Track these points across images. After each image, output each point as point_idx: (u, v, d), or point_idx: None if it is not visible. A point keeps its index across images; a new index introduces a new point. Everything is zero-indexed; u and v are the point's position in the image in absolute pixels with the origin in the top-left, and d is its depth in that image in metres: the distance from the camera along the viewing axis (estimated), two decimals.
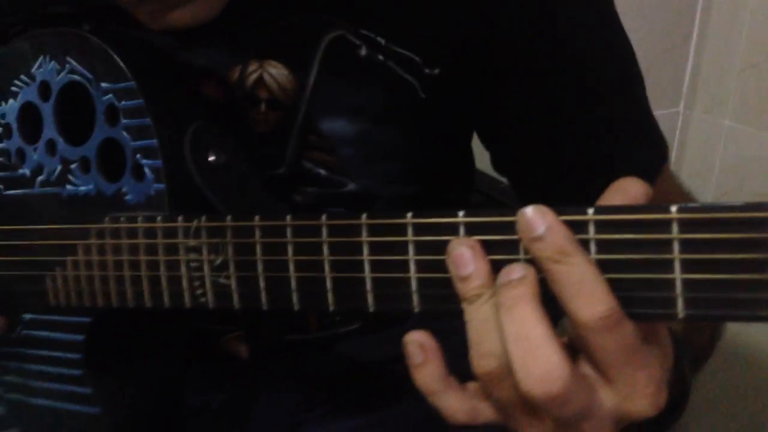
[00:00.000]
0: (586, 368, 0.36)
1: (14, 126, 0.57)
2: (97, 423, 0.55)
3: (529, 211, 0.35)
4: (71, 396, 0.56)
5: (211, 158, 0.51)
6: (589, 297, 0.34)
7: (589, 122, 0.56)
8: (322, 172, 0.58)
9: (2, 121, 0.57)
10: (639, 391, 0.35)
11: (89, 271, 0.52)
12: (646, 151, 0.57)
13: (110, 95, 0.51)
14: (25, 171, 0.56)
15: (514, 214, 0.36)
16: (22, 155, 0.56)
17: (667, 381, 0.36)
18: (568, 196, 0.55)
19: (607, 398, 0.36)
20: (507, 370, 0.35)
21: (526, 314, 0.34)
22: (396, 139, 0.58)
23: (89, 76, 0.52)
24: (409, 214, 0.38)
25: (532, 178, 0.59)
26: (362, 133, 0.57)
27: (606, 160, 0.56)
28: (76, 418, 0.56)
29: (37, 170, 0.55)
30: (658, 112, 0.58)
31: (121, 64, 0.51)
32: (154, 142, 0.50)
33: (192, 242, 0.46)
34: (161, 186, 0.50)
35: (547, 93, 0.55)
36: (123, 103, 0.51)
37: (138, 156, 0.50)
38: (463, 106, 0.57)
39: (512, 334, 0.35)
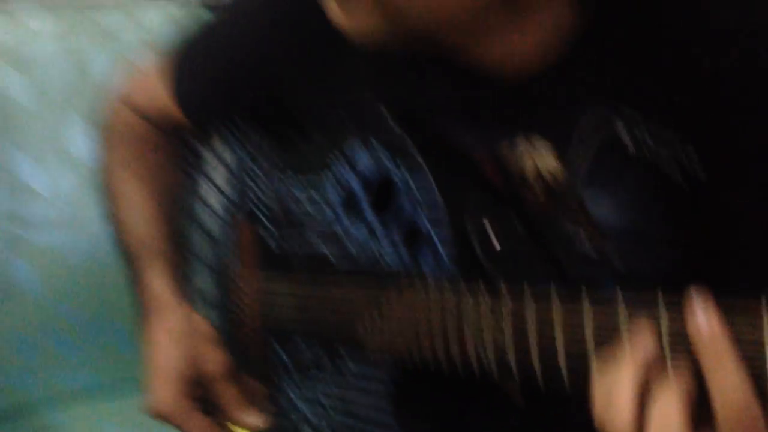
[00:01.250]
0: None
1: (335, 195, 0.68)
2: None
3: (700, 315, 0.42)
4: (380, 423, 0.67)
5: (498, 247, 0.59)
6: (731, 400, 0.41)
7: None
8: (593, 252, 0.64)
9: (337, 193, 0.69)
10: None
11: (391, 331, 0.63)
12: None
13: (411, 183, 0.61)
14: (342, 234, 0.68)
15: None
16: (339, 220, 0.68)
17: None
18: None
19: None
20: None
21: (673, 406, 0.42)
22: (661, 230, 0.61)
23: (391, 165, 0.62)
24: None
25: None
26: (627, 222, 0.61)
27: None
28: None
29: (350, 235, 0.67)
30: None
31: (418, 157, 0.61)
32: (447, 233, 0.59)
33: (481, 321, 0.55)
34: (455, 268, 0.59)
35: None
36: (422, 195, 0.60)
37: (436, 240, 0.60)
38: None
39: (655, 416, 0.42)
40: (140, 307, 0.76)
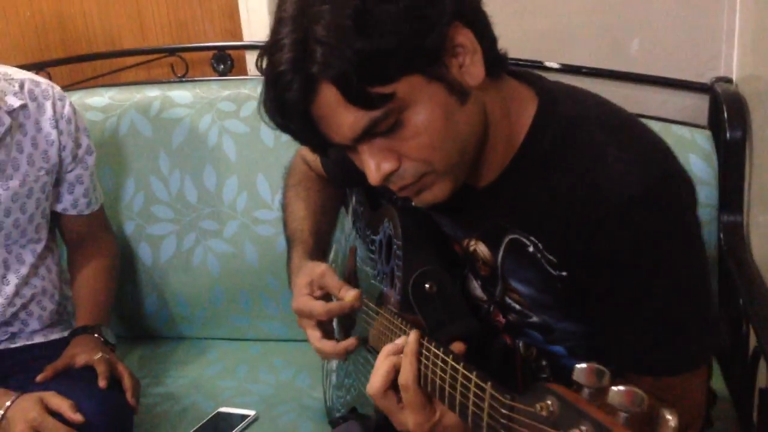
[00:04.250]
0: None
1: (377, 247, 1.11)
2: None
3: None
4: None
5: (427, 286, 0.97)
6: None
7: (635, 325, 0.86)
8: (517, 306, 0.97)
9: (376, 245, 1.12)
10: None
11: (376, 331, 1.03)
12: (665, 354, 0.85)
13: (396, 247, 1.01)
14: (375, 271, 1.10)
15: None
16: (377, 262, 1.11)
17: None
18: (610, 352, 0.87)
19: None
20: None
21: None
22: (553, 300, 0.93)
23: (391, 232, 1.03)
24: None
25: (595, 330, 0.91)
26: (531, 294, 0.94)
27: (640, 344, 0.86)
28: None
29: (380, 273, 1.09)
30: None
31: (400, 230, 1.01)
32: (400, 274, 0.99)
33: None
34: (399, 297, 0.98)
35: (619, 298, 0.86)
36: (397, 251, 1.00)
37: (396, 280, 1.00)
38: (581, 293, 0.89)
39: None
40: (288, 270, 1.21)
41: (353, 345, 1.08)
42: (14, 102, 1.37)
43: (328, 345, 1.09)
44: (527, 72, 0.96)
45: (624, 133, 0.90)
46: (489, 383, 0.69)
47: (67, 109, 1.43)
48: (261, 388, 1.50)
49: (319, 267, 1.10)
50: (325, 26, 0.80)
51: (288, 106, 0.84)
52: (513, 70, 0.95)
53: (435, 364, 0.83)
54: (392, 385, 0.88)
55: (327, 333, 1.11)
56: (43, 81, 1.43)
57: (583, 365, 0.55)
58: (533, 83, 0.94)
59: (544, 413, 0.54)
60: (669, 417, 0.48)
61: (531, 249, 0.91)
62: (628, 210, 0.84)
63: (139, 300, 1.68)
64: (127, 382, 1.33)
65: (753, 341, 1.20)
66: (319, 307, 1.08)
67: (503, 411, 0.63)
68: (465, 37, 0.85)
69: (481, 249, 0.97)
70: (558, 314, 0.94)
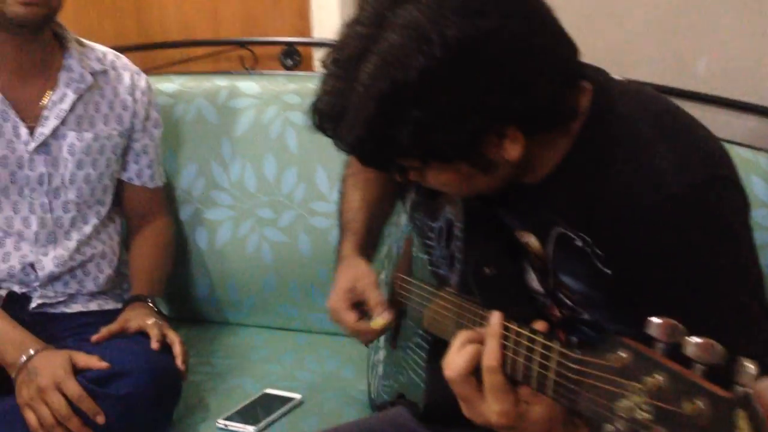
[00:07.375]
0: None
1: (437, 234, 1.12)
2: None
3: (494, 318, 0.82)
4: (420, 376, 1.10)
5: (486, 271, 0.98)
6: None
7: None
8: (568, 302, 0.97)
9: (435, 231, 1.13)
10: None
11: (437, 315, 1.05)
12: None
13: (456, 230, 1.03)
14: (432, 257, 1.12)
15: None
16: (434, 249, 1.12)
17: None
18: None
19: None
20: None
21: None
22: (603, 298, 0.92)
23: (452, 217, 1.05)
24: None
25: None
26: (582, 289, 0.94)
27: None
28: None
29: (437, 258, 1.10)
30: None
31: (462, 213, 1.02)
32: (460, 256, 1.00)
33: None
34: (458, 279, 0.99)
35: (664, 298, 0.83)
36: (458, 233, 1.02)
37: (456, 262, 1.01)
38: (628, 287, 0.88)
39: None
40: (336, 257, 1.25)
41: (390, 320, 1.12)
42: (97, 66, 1.50)
43: (364, 324, 1.13)
44: (590, 66, 0.96)
45: (677, 133, 0.90)
46: (557, 343, 0.69)
47: (143, 83, 1.55)
48: (306, 375, 1.52)
49: (369, 277, 1.15)
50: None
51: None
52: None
53: (518, 344, 0.80)
54: (473, 370, 0.83)
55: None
56: (123, 57, 1.56)
57: (659, 320, 0.56)
58: (594, 79, 0.94)
59: (616, 365, 0.55)
60: (749, 365, 0.48)
61: (580, 243, 0.91)
62: (669, 209, 0.84)
63: (191, 283, 1.71)
64: (177, 348, 1.36)
65: None
66: (349, 322, 1.15)
67: (572, 366, 0.64)
68: (512, 137, 0.86)
69: (532, 241, 0.98)
70: (608, 314, 0.94)
